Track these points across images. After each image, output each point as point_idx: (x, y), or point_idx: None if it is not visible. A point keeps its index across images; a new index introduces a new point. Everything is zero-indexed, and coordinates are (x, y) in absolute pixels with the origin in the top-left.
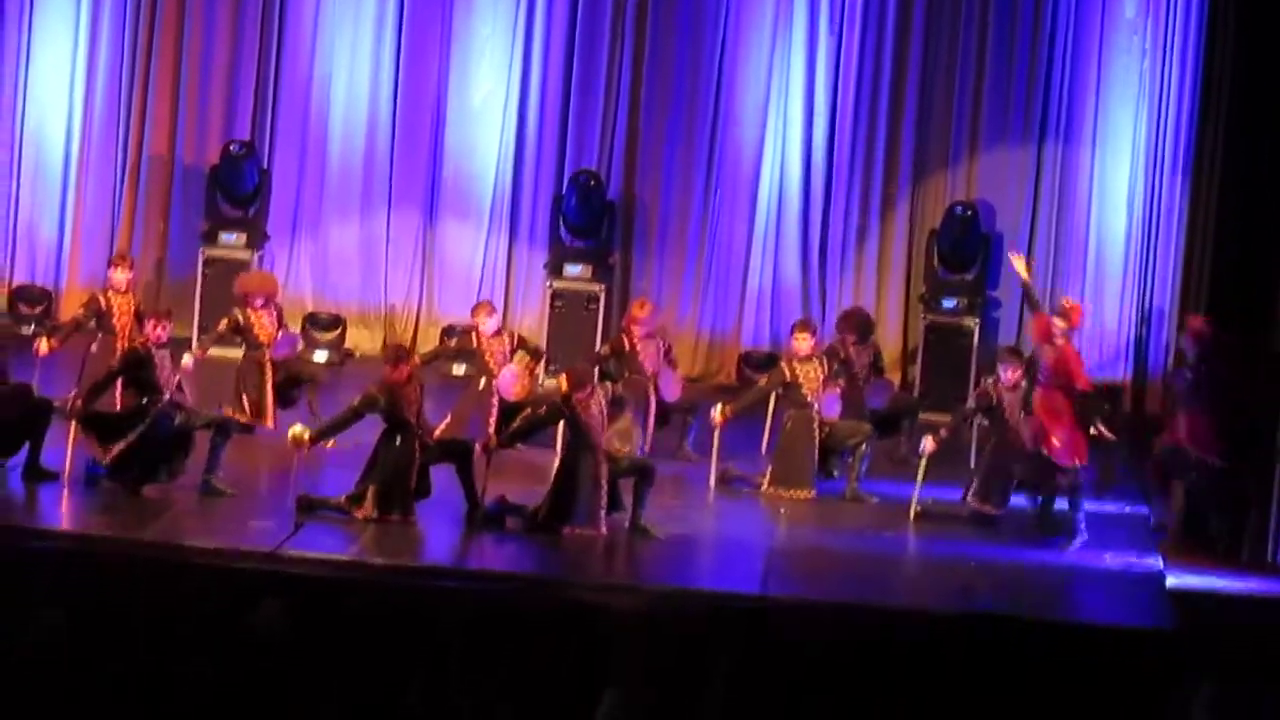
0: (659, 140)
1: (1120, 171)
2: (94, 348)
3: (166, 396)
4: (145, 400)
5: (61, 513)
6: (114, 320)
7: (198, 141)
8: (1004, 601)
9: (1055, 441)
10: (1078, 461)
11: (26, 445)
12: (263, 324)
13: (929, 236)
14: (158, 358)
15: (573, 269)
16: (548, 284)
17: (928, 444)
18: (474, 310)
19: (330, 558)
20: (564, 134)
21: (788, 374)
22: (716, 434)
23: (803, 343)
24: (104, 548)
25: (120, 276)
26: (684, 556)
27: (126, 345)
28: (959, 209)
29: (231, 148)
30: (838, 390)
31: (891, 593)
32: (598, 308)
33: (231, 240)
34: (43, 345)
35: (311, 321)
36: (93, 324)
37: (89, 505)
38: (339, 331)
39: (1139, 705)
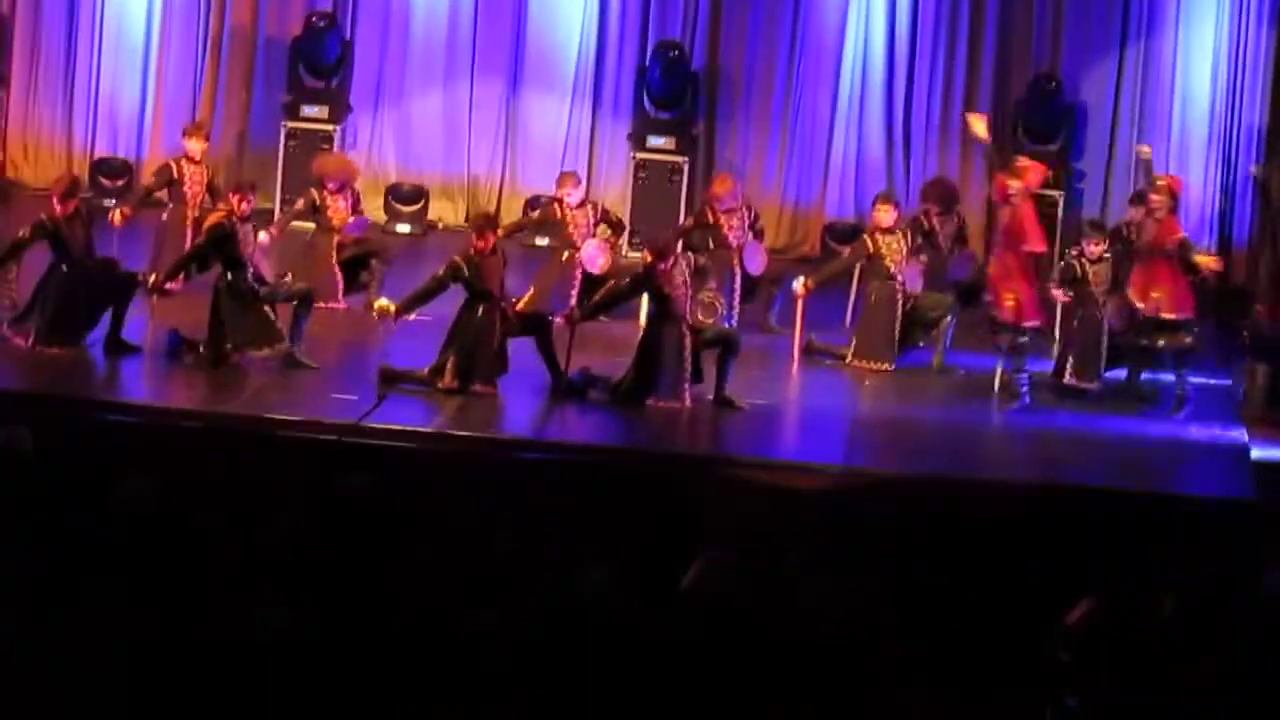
0: (743, 10)
1: (1205, 38)
2: (165, 217)
3: (250, 271)
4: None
5: (145, 386)
6: (185, 189)
7: (280, 12)
8: (1088, 473)
9: (1006, 302)
10: (1027, 322)
11: (108, 318)
12: (337, 207)
13: (1014, 107)
14: (241, 232)
15: (656, 140)
16: (631, 155)
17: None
18: (559, 181)
19: (413, 429)
20: (647, 3)
21: (870, 246)
22: (800, 306)
23: (885, 215)
24: (189, 420)
25: (195, 146)
26: (767, 428)
27: (197, 215)
28: (1043, 80)
29: (313, 19)
30: (921, 263)
31: (976, 465)
32: (681, 179)
33: (314, 112)
34: (117, 215)
35: (394, 193)
36: (165, 193)
37: (173, 379)
38: (422, 203)
39: (1224, 575)
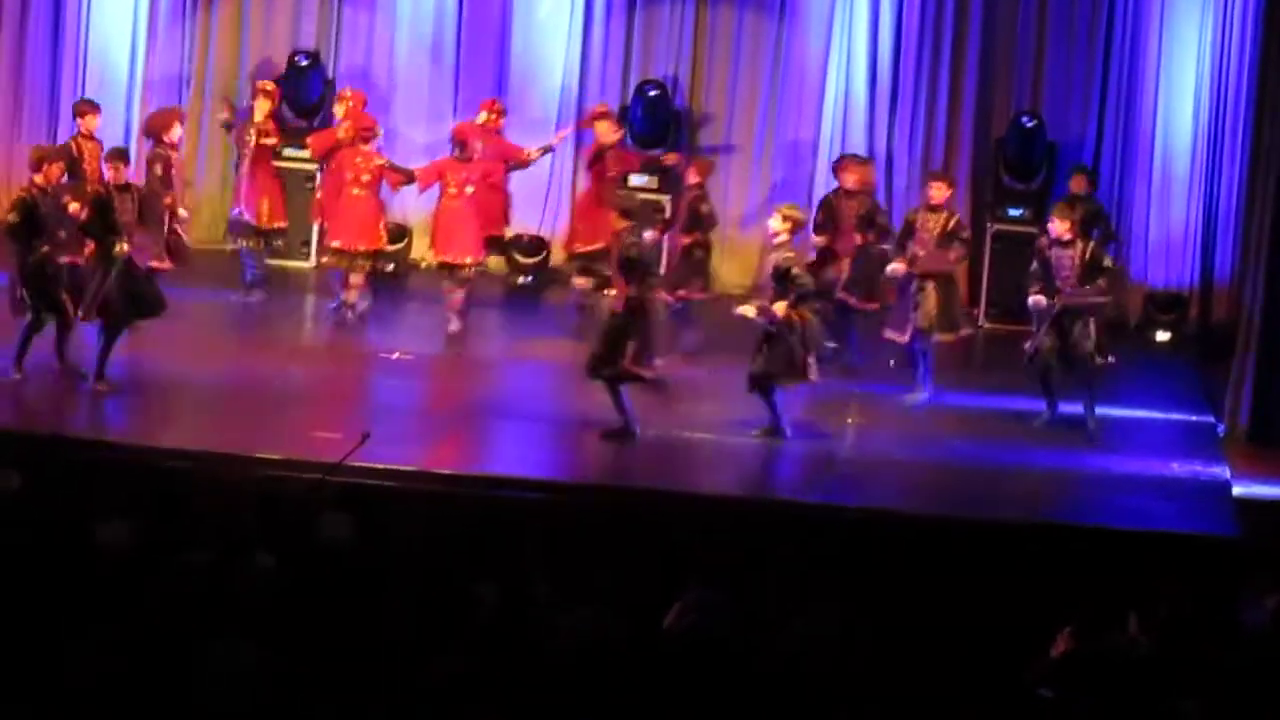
0: (724, 49)
1: (1186, 76)
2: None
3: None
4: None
5: (129, 423)
6: (85, 166)
7: (262, 52)
8: (1063, 509)
9: None
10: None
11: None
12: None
13: (994, 146)
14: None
15: (639, 179)
16: (616, 194)
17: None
18: None
19: (397, 468)
20: (629, 42)
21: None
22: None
23: (937, 192)
24: (174, 461)
25: (91, 123)
26: (749, 462)
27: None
28: (1024, 119)
29: (297, 58)
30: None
31: (958, 502)
32: (663, 216)
33: (297, 152)
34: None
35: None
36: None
37: (157, 415)
38: (405, 241)
39: (1204, 613)
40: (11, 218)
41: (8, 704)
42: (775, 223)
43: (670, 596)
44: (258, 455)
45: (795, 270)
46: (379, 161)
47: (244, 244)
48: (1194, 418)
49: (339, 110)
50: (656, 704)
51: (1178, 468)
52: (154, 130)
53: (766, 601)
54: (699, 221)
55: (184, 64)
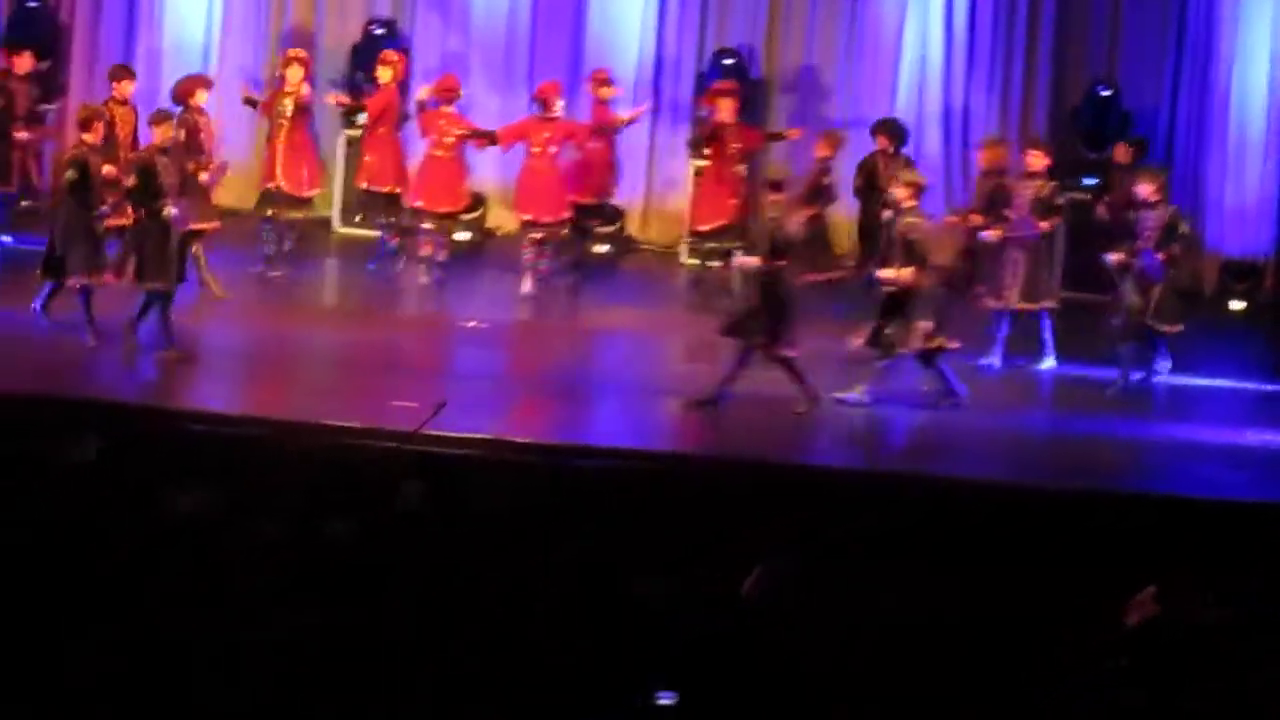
0: (800, 17)
1: (1260, 44)
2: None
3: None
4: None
5: (198, 389)
6: (117, 130)
7: (339, 19)
8: (1134, 478)
9: None
10: None
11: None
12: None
13: (1070, 114)
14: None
15: None
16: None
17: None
18: None
19: (472, 436)
20: (705, 11)
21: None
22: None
23: (1035, 160)
24: (251, 428)
25: (125, 88)
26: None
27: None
28: (1100, 87)
29: (372, 26)
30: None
31: (1029, 471)
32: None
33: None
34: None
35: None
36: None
37: (225, 381)
38: (480, 211)
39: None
40: (71, 175)
41: (85, 668)
42: (899, 191)
43: (748, 564)
44: (334, 424)
45: (917, 237)
46: (458, 128)
47: (275, 215)
48: (1267, 386)
49: (384, 74)
50: (733, 671)
51: (1250, 436)
52: (180, 96)
53: (844, 570)
54: (819, 195)
55: (259, 29)
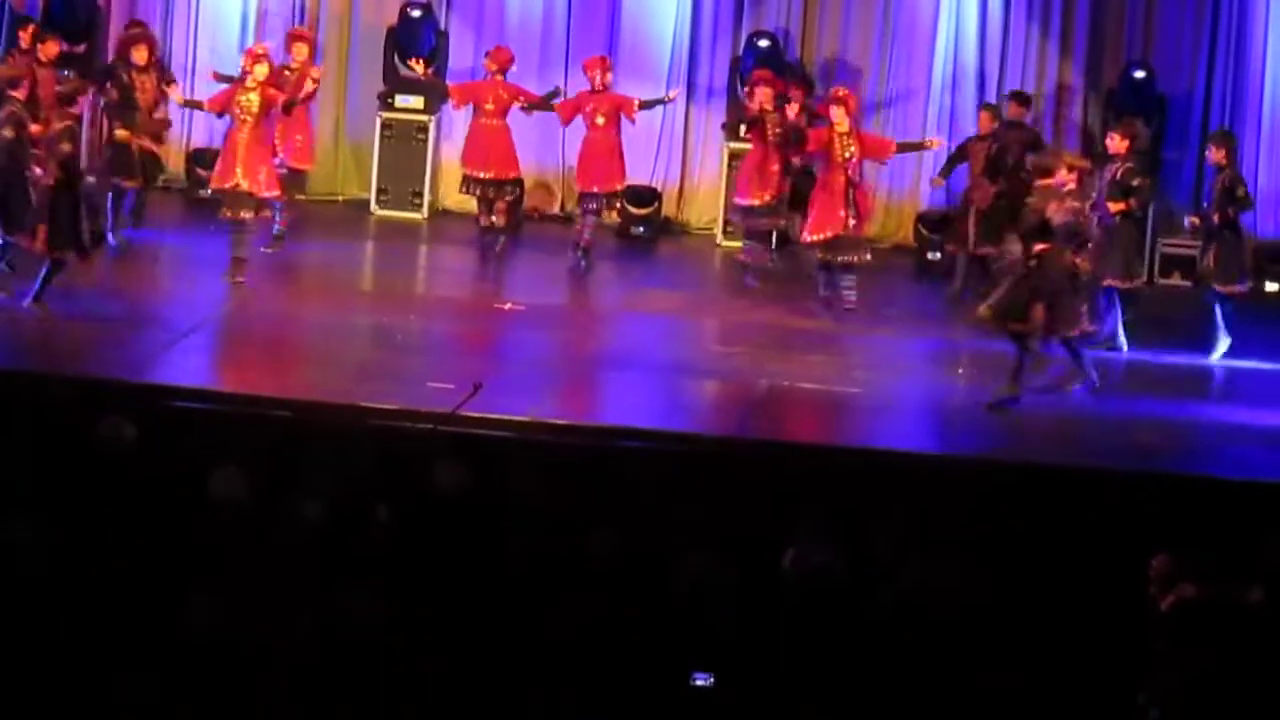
0: (836, 1)
1: None
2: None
3: None
4: None
5: (236, 371)
6: (137, 96)
7: (376, 2)
8: (1171, 459)
9: None
10: None
11: None
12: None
13: (1105, 96)
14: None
15: None
16: (725, 145)
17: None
18: None
19: (509, 418)
20: None
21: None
22: None
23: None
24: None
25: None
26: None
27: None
28: (1135, 70)
29: (409, 9)
30: None
31: (1070, 451)
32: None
33: (409, 103)
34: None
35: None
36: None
37: (262, 362)
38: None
39: None
40: (8, 133)
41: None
42: (1063, 173)
43: (785, 542)
44: (371, 405)
45: (1080, 221)
46: (518, 98)
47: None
48: None
49: (300, 51)
50: (773, 648)
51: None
52: (117, 52)
53: (882, 548)
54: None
55: (296, 15)
